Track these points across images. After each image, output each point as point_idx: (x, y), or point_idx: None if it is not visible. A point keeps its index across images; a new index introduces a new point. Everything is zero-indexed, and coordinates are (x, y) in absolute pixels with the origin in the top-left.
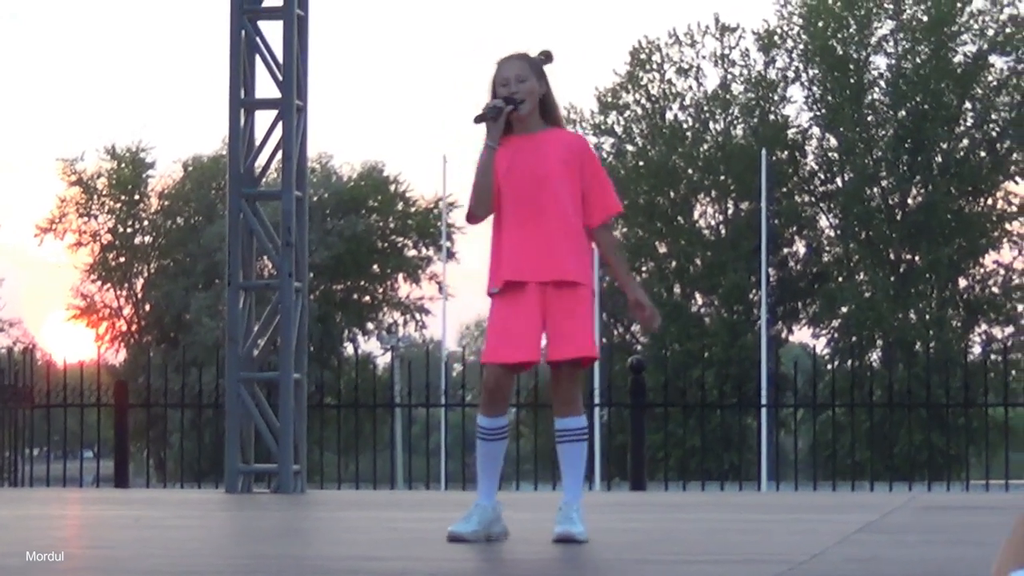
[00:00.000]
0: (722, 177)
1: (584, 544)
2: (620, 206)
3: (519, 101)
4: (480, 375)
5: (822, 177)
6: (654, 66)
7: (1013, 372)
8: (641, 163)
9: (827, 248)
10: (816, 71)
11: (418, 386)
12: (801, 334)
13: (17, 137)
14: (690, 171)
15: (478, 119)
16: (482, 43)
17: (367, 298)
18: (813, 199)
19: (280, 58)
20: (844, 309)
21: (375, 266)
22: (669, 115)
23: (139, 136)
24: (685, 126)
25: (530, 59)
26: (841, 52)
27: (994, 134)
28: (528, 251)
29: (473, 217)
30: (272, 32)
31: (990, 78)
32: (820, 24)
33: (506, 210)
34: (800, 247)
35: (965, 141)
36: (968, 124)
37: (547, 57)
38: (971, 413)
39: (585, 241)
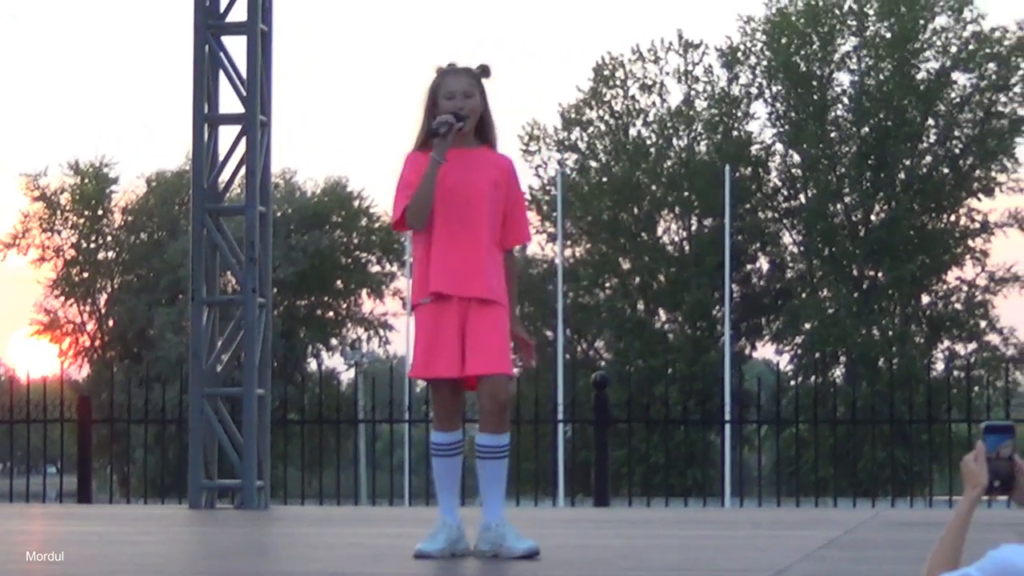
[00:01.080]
0: (686, 193)
1: (535, 557)
2: (529, 237)
3: (465, 117)
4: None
5: (785, 193)
6: (617, 82)
7: (976, 388)
8: (605, 179)
9: (790, 264)
10: (779, 87)
11: (382, 402)
12: (764, 350)
13: None
14: (654, 187)
15: (431, 135)
16: (446, 60)
17: (331, 314)
18: (776, 215)
19: (244, 73)
20: (807, 325)
21: (339, 282)
22: (633, 131)
23: (102, 151)
24: (649, 142)
25: (475, 74)
26: (804, 69)
27: (957, 151)
28: (454, 266)
29: (404, 226)
30: (236, 47)
31: (953, 95)
32: (783, 41)
33: (437, 222)
34: (763, 263)
35: (928, 158)
36: (931, 141)
37: (484, 71)
38: (934, 429)
39: (501, 263)
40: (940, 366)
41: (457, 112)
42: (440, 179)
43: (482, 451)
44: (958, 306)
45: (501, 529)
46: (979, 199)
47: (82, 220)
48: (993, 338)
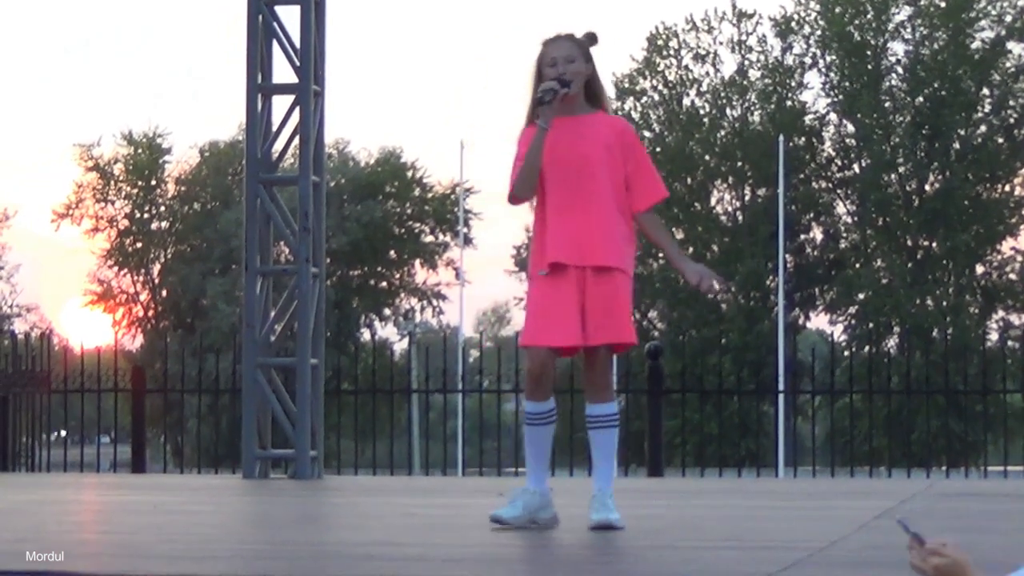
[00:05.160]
0: (739, 163)
1: (620, 530)
2: (666, 191)
3: (568, 82)
4: (500, 359)
5: (839, 163)
6: (671, 52)
7: None
8: (658, 149)
9: (844, 234)
10: (833, 57)
11: (435, 372)
12: (818, 320)
13: (34, 122)
14: (707, 157)
15: (539, 102)
16: (500, 28)
17: (384, 284)
18: (830, 185)
19: (297, 43)
20: (861, 296)
21: (392, 252)
22: (686, 101)
23: (156, 121)
24: (702, 112)
25: (577, 40)
26: (858, 38)
27: (1012, 120)
28: (570, 235)
29: (515, 199)
30: (289, 17)
31: (1008, 64)
32: (837, 10)
33: (549, 192)
34: (817, 233)
35: (983, 127)
36: (986, 110)
37: (592, 39)
38: (989, 400)
39: (626, 227)
40: (994, 336)
41: (561, 78)
42: (551, 147)
43: (591, 421)
44: (1012, 276)
45: (601, 498)
46: None
47: (135, 190)
48: None
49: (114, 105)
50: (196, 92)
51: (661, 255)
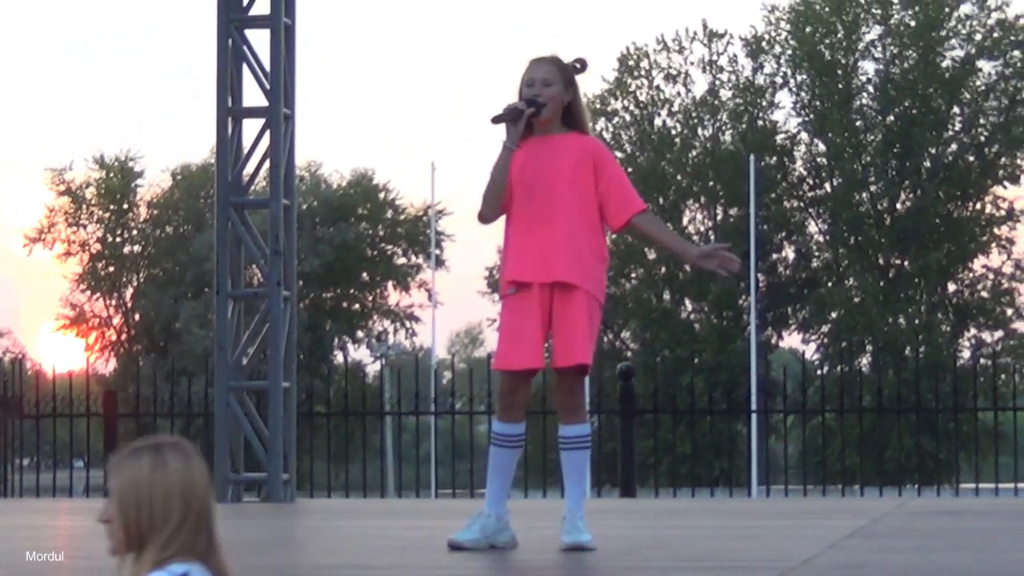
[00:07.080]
0: (711, 183)
1: (592, 552)
2: (642, 204)
3: (540, 105)
4: (472, 380)
5: (811, 182)
6: (642, 72)
7: (1002, 376)
8: (630, 169)
9: (816, 253)
10: (804, 76)
11: (408, 394)
12: (791, 339)
13: (5, 146)
14: (679, 177)
15: (496, 119)
16: (471, 51)
17: (357, 306)
18: (802, 204)
19: (267, 67)
20: (833, 314)
21: (364, 274)
22: (657, 121)
23: (128, 145)
24: (673, 132)
25: (561, 64)
26: (829, 57)
27: (982, 138)
28: (532, 252)
29: (483, 217)
30: (259, 41)
31: (978, 82)
32: (808, 30)
33: (516, 211)
34: (789, 252)
35: (953, 146)
36: (956, 129)
37: (581, 65)
38: (961, 417)
39: (595, 243)
40: (966, 354)
41: (533, 99)
42: (521, 166)
43: (564, 442)
44: (984, 294)
45: (572, 519)
46: (1004, 187)
47: (107, 214)
48: (1019, 326)
49: (86, 129)
50: (168, 116)
51: (634, 275)
